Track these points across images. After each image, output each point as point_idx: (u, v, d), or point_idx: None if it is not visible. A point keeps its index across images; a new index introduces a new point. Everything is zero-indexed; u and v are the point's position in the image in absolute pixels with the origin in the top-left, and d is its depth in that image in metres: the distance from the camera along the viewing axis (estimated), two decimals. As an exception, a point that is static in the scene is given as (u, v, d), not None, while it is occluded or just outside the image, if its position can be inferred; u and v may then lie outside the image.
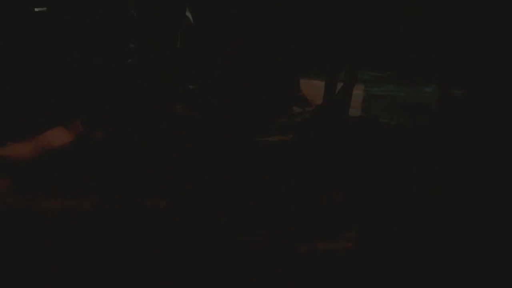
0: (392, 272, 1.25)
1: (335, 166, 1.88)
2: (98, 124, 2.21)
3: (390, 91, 3.12)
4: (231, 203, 1.58)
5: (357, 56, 2.75)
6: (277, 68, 2.84)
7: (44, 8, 3.41)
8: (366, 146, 2.10)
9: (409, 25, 3.46)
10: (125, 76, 3.02)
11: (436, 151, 2.07)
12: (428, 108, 2.72)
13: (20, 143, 1.86)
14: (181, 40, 3.20)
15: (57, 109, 2.33)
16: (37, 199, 1.51)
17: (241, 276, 1.21)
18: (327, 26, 2.71)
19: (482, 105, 2.76)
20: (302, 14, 2.89)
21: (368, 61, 3.80)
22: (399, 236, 1.43)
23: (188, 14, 3.09)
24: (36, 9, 3.64)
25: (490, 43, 2.71)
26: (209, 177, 1.76)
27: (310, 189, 1.69)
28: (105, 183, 1.65)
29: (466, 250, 1.35)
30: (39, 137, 1.94)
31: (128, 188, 1.64)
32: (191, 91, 3.04)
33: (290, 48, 2.90)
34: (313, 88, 2.87)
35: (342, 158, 1.96)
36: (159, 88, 2.94)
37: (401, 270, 1.26)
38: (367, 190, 1.70)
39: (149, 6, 3.24)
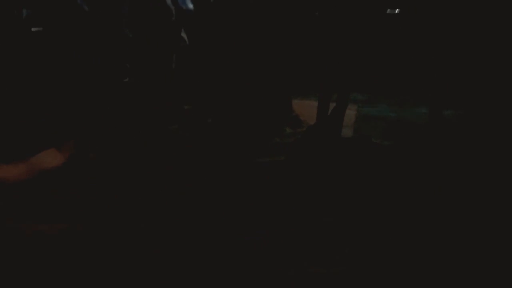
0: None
1: (327, 188, 1.90)
2: (91, 145, 2.22)
3: (382, 111, 3.16)
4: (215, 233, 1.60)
5: (350, 76, 2.79)
6: (270, 89, 2.87)
7: (40, 28, 3.45)
8: (358, 168, 2.12)
9: (401, 46, 3.51)
10: (120, 96, 3.05)
11: (428, 173, 2.10)
12: (419, 128, 2.75)
13: (11, 165, 1.87)
14: (176, 60, 3.24)
15: (50, 130, 2.35)
16: (27, 222, 1.52)
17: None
18: (320, 46, 2.75)
19: (474, 125, 2.81)
20: (295, 36, 2.94)
21: (360, 81, 3.85)
22: (390, 260, 1.44)
23: (183, 35, 3.14)
24: (32, 29, 3.68)
25: (480, 64, 2.76)
26: (194, 203, 1.78)
27: (300, 212, 1.71)
28: (97, 206, 1.66)
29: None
30: (31, 159, 1.95)
31: (121, 209, 1.66)
32: (186, 111, 3.07)
33: (283, 68, 2.94)
34: (307, 108, 2.90)
35: (334, 179, 1.98)
36: (154, 109, 2.97)
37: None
38: (359, 212, 1.72)
39: (144, 27, 3.28)
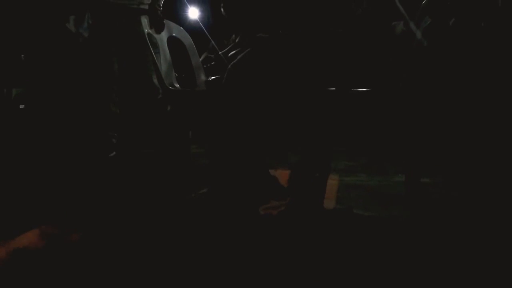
0: None
1: (310, 264, 1.93)
2: (75, 224, 2.24)
3: (363, 180, 3.26)
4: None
5: (330, 146, 2.88)
6: (251, 160, 2.95)
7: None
8: (340, 241, 2.17)
9: (378, 115, 3.63)
10: (105, 171, 3.10)
11: (408, 245, 2.15)
12: (399, 197, 2.83)
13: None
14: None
15: (32, 209, 2.37)
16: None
17: None
18: (299, 116, 2.82)
19: (452, 194, 2.90)
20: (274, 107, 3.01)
21: (341, 149, 3.97)
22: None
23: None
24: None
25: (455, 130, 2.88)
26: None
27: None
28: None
29: None
30: (12, 241, 1.96)
31: None
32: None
33: (263, 139, 3.02)
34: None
35: (316, 254, 2.02)
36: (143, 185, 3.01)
37: None
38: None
39: (131, 103, 3.40)
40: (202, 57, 4.26)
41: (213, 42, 4.42)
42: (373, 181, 3.25)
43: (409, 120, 2.87)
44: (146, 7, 3.26)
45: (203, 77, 3.16)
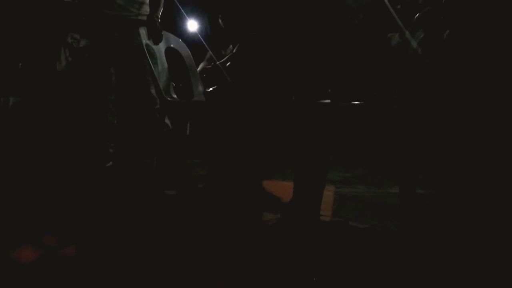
0: None
1: (304, 277, 1.94)
2: (70, 238, 2.23)
3: (359, 192, 3.27)
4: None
5: (326, 157, 2.89)
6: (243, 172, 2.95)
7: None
8: (336, 255, 2.17)
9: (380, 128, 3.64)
10: (102, 181, 3.10)
11: (403, 259, 2.16)
12: (394, 210, 2.83)
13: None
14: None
15: (26, 224, 2.36)
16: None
17: None
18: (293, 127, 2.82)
19: (447, 206, 2.90)
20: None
21: (337, 160, 3.99)
22: None
23: (167, 121, 3.26)
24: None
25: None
26: None
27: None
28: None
29: None
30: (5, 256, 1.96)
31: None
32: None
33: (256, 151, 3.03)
34: (286, 190, 2.97)
35: (311, 267, 2.02)
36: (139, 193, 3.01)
37: None
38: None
39: (129, 113, 3.41)
40: (200, 67, 4.28)
41: (211, 52, 4.45)
42: (370, 192, 3.26)
43: (403, 132, 2.88)
44: (145, 18, 3.28)
45: (200, 88, 3.17)
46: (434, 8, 2.83)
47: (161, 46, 3.12)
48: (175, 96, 2.99)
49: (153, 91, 3.19)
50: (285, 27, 2.65)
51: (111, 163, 3.42)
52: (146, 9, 3.39)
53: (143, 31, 3.02)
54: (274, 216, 2.66)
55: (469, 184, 2.79)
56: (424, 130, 2.79)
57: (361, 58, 3.20)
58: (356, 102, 3.13)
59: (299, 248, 2.19)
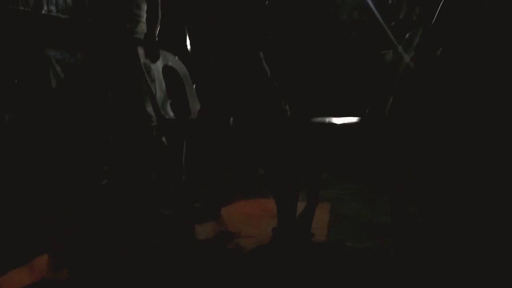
0: None
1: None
2: (64, 263, 2.22)
3: (354, 210, 3.27)
4: None
5: (318, 175, 2.89)
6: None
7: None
8: (331, 276, 2.17)
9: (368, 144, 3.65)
10: (98, 199, 3.09)
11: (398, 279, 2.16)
12: (389, 228, 2.84)
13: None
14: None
15: (20, 246, 2.35)
16: None
17: None
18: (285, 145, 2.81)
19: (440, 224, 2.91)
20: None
21: (332, 178, 4.00)
22: None
23: (163, 139, 3.27)
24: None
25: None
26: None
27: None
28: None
29: None
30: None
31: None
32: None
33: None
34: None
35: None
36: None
37: None
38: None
39: (124, 130, 3.41)
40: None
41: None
42: (365, 209, 3.27)
43: (394, 148, 2.89)
44: (141, 36, 3.30)
45: (197, 106, 3.18)
46: (427, 26, 2.87)
47: (159, 65, 3.13)
48: (172, 114, 3.00)
49: (149, 108, 3.20)
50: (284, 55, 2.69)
51: (106, 180, 3.41)
52: (143, 27, 3.41)
53: (140, 50, 3.04)
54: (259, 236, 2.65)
55: (463, 197, 2.81)
56: (416, 142, 2.81)
57: (355, 75, 3.23)
58: (350, 118, 3.16)
59: (291, 271, 2.18)
